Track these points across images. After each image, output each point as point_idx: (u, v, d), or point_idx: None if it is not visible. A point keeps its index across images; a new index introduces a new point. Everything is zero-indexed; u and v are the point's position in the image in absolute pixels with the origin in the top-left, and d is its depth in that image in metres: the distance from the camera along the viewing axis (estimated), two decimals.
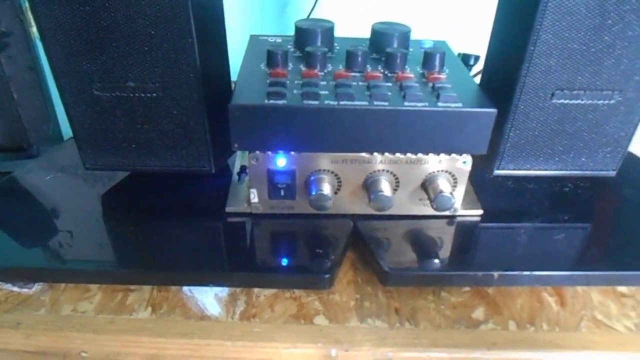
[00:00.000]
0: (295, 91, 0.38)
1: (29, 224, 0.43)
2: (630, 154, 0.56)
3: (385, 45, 0.45)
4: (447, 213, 0.43)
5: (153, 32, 0.35)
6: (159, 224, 0.43)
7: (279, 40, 0.48)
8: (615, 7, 0.35)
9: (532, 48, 0.37)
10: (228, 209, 0.43)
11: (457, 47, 0.63)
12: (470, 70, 0.61)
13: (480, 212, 0.44)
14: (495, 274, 0.39)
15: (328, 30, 0.45)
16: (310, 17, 0.86)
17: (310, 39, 0.45)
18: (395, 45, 0.45)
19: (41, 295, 0.39)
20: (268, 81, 0.39)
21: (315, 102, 0.37)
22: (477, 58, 0.61)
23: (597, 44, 0.37)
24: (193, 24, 0.35)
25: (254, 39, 0.49)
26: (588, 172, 0.44)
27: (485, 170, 0.45)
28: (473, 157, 0.43)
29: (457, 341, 0.36)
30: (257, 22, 0.96)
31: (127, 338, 0.36)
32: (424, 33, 0.82)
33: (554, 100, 0.39)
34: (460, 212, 0.44)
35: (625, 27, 0.36)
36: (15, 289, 0.40)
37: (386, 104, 0.37)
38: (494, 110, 0.37)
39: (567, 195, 0.48)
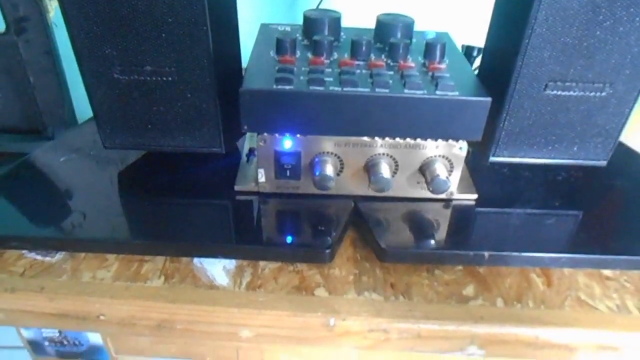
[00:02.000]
0: (302, 77, 0.40)
1: (51, 198, 0.46)
2: (624, 145, 0.58)
3: (389, 36, 0.47)
4: (443, 196, 0.46)
5: (170, 20, 0.38)
6: (172, 201, 0.46)
7: (288, 29, 0.50)
8: (607, 4, 0.37)
9: (527, 41, 0.39)
10: (237, 188, 0.46)
11: (462, 38, 0.65)
12: (473, 61, 0.63)
13: (475, 196, 0.46)
14: (486, 253, 0.41)
15: (335, 20, 0.47)
16: (319, 7, 0.89)
17: (318, 28, 0.47)
18: (398, 36, 0.47)
19: (63, 263, 0.42)
20: (277, 67, 0.42)
21: (321, 88, 0.39)
22: (480, 50, 0.63)
23: (589, 38, 0.39)
24: (207, 12, 0.38)
25: (264, 27, 0.51)
26: (580, 162, 0.46)
27: (481, 158, 0.47)
28: (471, 144, 0.45)
29: (448, 315, 0.39)
30: (267, 12, 0.99)
31: (141, 303, 0.39)
32: (429, 24, 0.84)
33: (547, 92, 0.42)
34: (456, 195, 0.46)
35: (617, 23, 0.38)
36: (39, 257, 0.43)
37: (387, 91, 0.39)
38: (488, 99, 0.39)
39: (560, 183, 0.50)
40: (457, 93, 0.39)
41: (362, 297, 0.40)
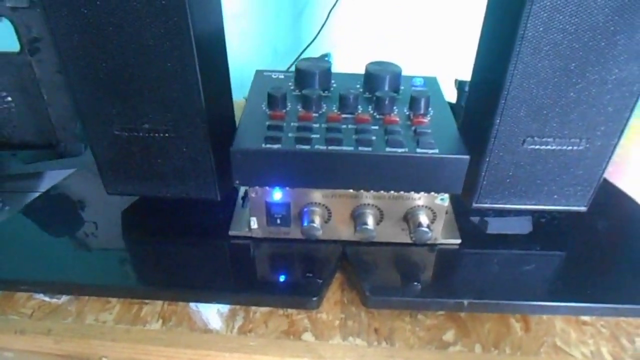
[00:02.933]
0: (290, 134, 0.43)
1: (57, 240, 0.49)
2: (610, 184, 0.59)
3: (377, 86, 0.49)
4: (429, 242, 0.48)
5: (165, 83, 0.41)
6: (170, 245, 0.48)
7: (281, 76, 0.52)
8: (579, 69, 0.39)
9: (503, 102, 0.41)
10: (231, 233, 0.49)
11: (456, 71, 0.66)
12: (465, 96, 0.65)
13: (459, 241, 0.48)
14: (465, 301, 0.43)
15: (325, 70, 0.49)
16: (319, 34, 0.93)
17: (309, 80, 0.49)
18: (386, 86, 0.49)
19: (69, 305, 0.45)
20: (267, 124, 0.44)
21: (307, 147, 0.41)
22: None
23: (563, 99, 0.40)
24: (200, 74, 0.40)
25: (259, 74, 0.53)
26: (560, 207, 0.48)
27: (466, 203, 0.49)
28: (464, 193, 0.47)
29: None
30: (273, 30, 1.03)
31: (141, 347, 0.42)
32: (423, 56, 0.86)
33: (525, 146, 0.43)
34: (441, 240, 0.48)
35: (589, 85, 0.40)
36: (47, 298, 0.46)
37: (370, 149, 0.41)
38: (466, 157, 0.41)
39: (543, 226, 0.51)
40: (437, 151, 0.41)
41: (346, 343, 0.42)
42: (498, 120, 0.42)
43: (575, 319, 0.45)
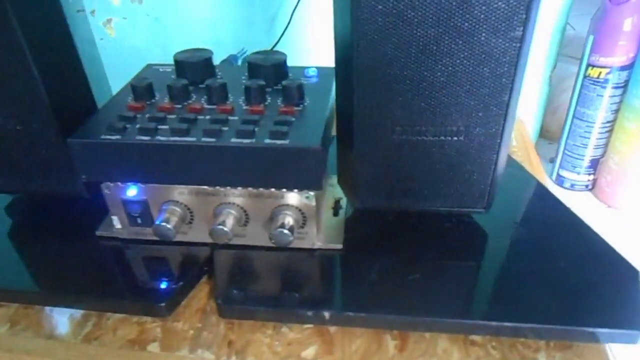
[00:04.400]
0: (138, 125, 0.40)
1: None
2: (541, 186, 0.52)
3: (258, 76, 0.45)
4: (305, 246, 0.43)
5: (4, 80, 0.39)
6: (38, 246, 0.46)
7: (168, 69, 0.49)
8: (435, 45, 0.33)
9: (357, 85, 0.36)
10: (98, 233, 0.45)
11: None
12: None
13: (339, 246, 0.43)
14: (327, 313, 0.38)
15: (202, 60, 0.46)
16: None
17: (186, 71, 0.46)
18: (269, 76, 0.45)
19: None
20: (118, 114, 0.41)
21: (147, 138, 0.38)
22: None
23: (426, 80, 0.35)
24: (37, 72, 0.38)
25: (147, 68, 0.51)
26: (456, 209, 0.42)
27: (354, 205, 0.44)
28: (343, 191, 0.43)
29: None
30: (247, 34, 1.01)
31: None
32: None
33: (396, 137, 0.38)
34: (318, 245, 0.43)
35: (452, 64, 0.34)
36: None
37: (214, 140, 0.38)
38: (317, 148, 0.36)
39: (444, 231, 0.45)
40: (287, 142, 0.37)
41: (193, 356, 0.38)
42: (357, 105, 0.37)
43: (464, 339, 0.38)
